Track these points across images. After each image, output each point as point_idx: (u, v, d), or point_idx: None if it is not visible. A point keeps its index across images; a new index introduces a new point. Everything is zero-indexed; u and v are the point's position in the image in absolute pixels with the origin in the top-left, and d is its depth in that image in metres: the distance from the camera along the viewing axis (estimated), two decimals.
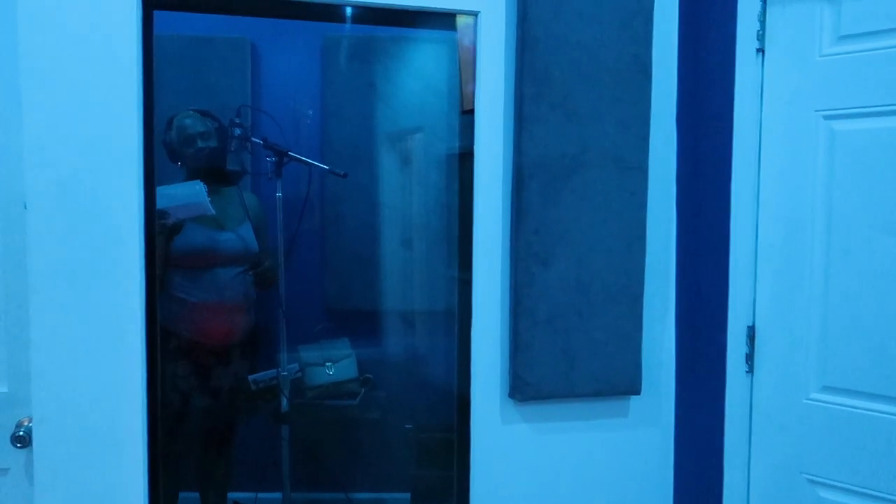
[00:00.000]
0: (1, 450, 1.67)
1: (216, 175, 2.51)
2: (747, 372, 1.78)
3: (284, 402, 2.63)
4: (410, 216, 3.12)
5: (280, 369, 2.63)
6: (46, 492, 1.60)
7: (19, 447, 1.64)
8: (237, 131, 2.58)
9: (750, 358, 1.77)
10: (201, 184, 2.32)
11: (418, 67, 3.00)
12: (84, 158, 1.56)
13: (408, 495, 3.00)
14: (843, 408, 1.63)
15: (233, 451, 2.73)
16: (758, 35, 1.72)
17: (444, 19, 1.81)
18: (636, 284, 1.82)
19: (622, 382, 1.84)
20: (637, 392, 1.86)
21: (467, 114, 1.91)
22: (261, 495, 2.92)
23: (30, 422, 1.63)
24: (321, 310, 3.13)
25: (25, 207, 1.55)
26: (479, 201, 1.80)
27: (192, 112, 2.52)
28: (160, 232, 2.19)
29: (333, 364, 2.98)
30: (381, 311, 3.16)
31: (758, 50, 1.72)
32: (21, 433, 1.64)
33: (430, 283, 3.06)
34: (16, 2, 1.53)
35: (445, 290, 2.72)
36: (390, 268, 3.14)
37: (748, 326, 1.77)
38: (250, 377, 2.61)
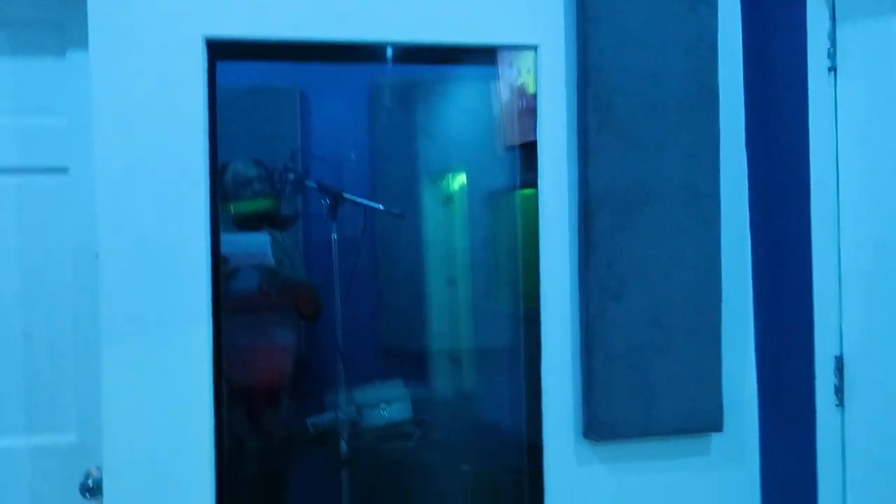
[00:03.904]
0: (70, 500, 1.66)
1: (269, 220, 2.53)
2: (837, 405, 1.68)
3: (343, 445, 2.59)
4: (463, 253, 3.09)
5: (338, 411, 2.59)
6: None
7: (88, 498, 1.62)
8: (291, 176, 2.60)
9: (840, 390, 1.67)
10: (267, 236, 2.34)
11: (464, 105, 3.01)
12: (154, 208, 1.58)
13: None
14: None
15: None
16: (829, 53, 1.67)
17: (487, 55, 1.81)
18: (713, 316, 1.75)
19: (703, 419, 1.75)
20: (719, 429, 1.77)
21: (522, 147, 1.89)
22: None
23: (98, 471, 1.62)
24: (375, 350, 3.09)
25: (97, 257, 1.56)
26: (545, 236, 1.76)
27: (246, 159, 2.56)
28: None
29: (388, 405, 2.93)
30: (436, 350, 3.11)
31: (829, 69, 1.67)
32: (90, 483, 1.63)
33: (485, 320, 3.01)
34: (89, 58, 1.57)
35: (501, 327, 2.67)
36: (443, 306, 3.10)
37: (836, 357, 1.68)
38: (308, 420, 2.57)
